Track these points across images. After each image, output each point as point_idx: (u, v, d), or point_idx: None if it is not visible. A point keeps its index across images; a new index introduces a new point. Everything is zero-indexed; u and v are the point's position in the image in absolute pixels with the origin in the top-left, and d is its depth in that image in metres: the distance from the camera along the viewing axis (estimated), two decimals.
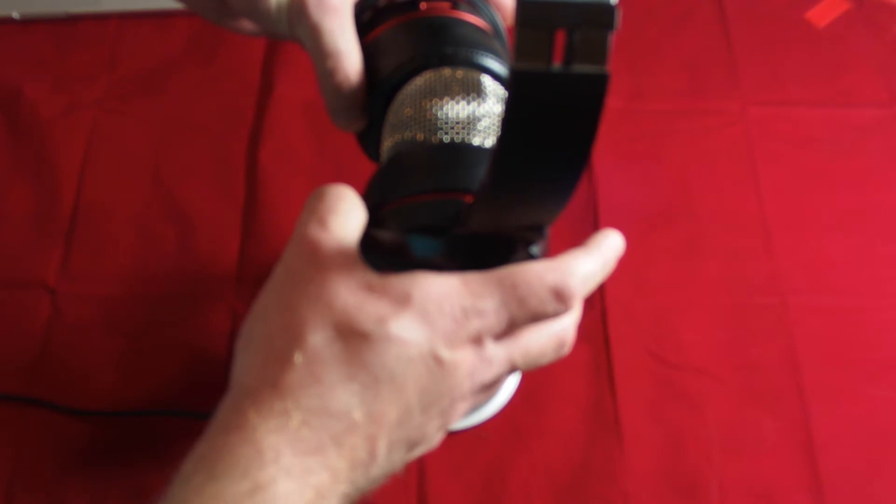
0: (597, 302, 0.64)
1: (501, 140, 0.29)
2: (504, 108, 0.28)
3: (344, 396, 0.31)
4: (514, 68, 0.26)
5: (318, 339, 0.32)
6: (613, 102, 0.69)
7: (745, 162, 0.70)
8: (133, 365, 0.62)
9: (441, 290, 0.32)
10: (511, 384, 0.60)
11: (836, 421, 0.60)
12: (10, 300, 0.65)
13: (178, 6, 0.61)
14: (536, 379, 0.61)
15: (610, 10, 0.26)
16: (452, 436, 0.58)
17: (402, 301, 0.32)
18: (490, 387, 0.35)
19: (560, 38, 0.26)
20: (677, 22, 0.77)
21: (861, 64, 0.75)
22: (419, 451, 0.35)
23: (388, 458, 0.33)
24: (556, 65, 0.26)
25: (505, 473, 0.58)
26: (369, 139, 0.42)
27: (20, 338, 0.63)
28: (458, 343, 0.33)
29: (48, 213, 0.68)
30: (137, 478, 0.58)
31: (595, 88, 0.27)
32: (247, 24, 0.47)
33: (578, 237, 0.37)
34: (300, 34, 0.41)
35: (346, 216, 0.34)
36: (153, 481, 0.57)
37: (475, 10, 0.43)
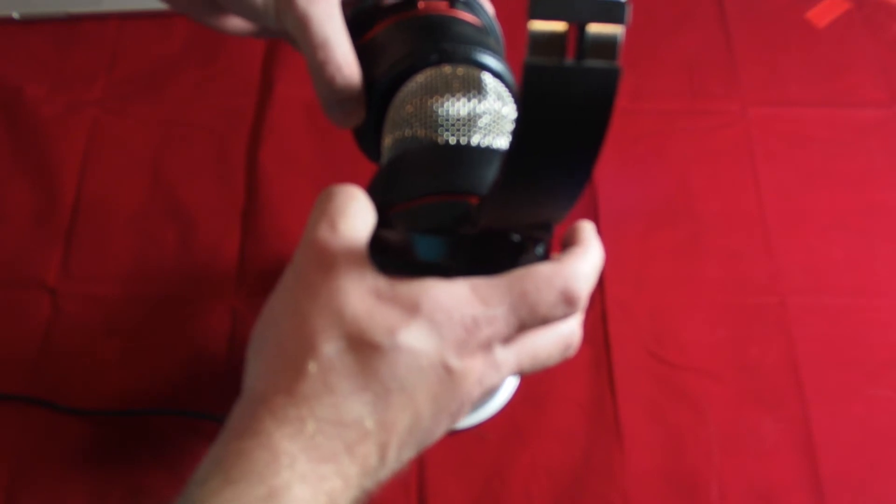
0: (597, 302, 0.63)
1: (515, 135, 0.29)
2: (518, 103, 0.28)
3: (356, 406, 0.32)
4: (527, 63, 0.27)
5: (331, 349, 0.32)
6: None
7: (745, 162, 0.70)
8: (133, 365, 0.62)
9: (450, 297, 0.32)
10: (511, 384, 0.60)
11: (836, 421, 0.60)
12: (10, 300, 0.65)
13: None
14: (536, 379, 0.60)
15: (620, 5, 0.26)
16: (452, 436, 0.58)
17: (411, 310, 0.32)
18: (495, 386, 0.35)
19: (572, 33, 0.26)
20: (677, 22, 0.77)
21: (861, 64, 0.75)
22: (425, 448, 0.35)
23: (397, 461, 0.33)
24: (569, 60, 0.27)
25: (505, 473, 0.58)
26: (368, 138, 0.42)
27: (20, 338, 0.63)
28: (468, 351, 0.33)
29: (48, 213, 0.68)
30: (137, 477, 0.58)
31: (607, 83, 0.27)
32: (233, 23, 0.46)
33: None
34: (288, 26, 0.40)
35: (356, 218, 0.34)
36: (153, 481, 0.57)
37: (471, 9, 0.43)
